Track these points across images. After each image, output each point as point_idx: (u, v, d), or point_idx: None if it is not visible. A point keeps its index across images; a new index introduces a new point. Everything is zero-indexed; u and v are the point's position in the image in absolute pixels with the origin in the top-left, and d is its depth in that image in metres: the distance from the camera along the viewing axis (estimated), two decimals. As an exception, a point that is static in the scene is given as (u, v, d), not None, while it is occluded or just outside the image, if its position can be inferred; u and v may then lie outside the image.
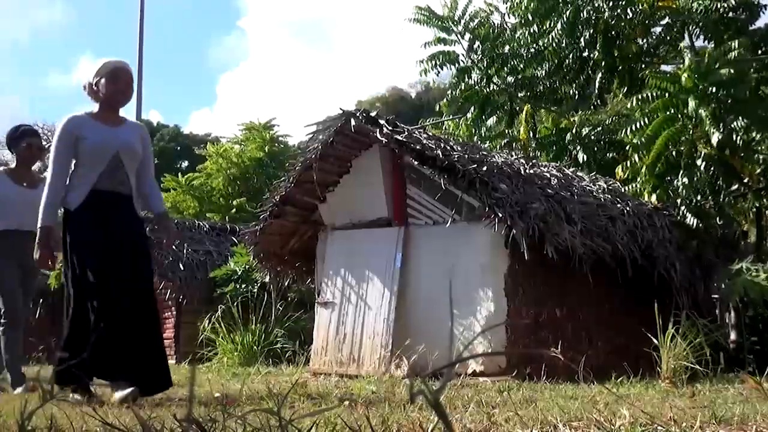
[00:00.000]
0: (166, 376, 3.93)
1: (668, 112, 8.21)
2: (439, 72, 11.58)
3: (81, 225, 3.92)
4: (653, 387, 4.59)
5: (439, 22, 11.40)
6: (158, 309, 4.12)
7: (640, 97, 8.67)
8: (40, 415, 1.81)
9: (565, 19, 10.53)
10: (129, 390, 3.63)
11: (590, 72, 11.09)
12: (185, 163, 34.19)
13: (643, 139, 8.19)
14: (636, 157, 8.53)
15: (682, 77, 8.10)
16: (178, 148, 40.16)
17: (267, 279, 8.76)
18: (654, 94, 8.45)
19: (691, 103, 7.98)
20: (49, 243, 3.95)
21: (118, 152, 4.03)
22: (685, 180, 8.01)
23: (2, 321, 5.24)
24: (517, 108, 11.55)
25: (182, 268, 11.85)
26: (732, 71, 7.92)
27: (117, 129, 4.13)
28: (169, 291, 11.64)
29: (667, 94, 8.30)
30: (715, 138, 7.74)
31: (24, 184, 5.38)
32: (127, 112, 5.18)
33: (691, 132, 8.16)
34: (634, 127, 8.47)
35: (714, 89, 8.02)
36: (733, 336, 9.05)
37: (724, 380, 5.30)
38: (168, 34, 66.10)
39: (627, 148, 8.63)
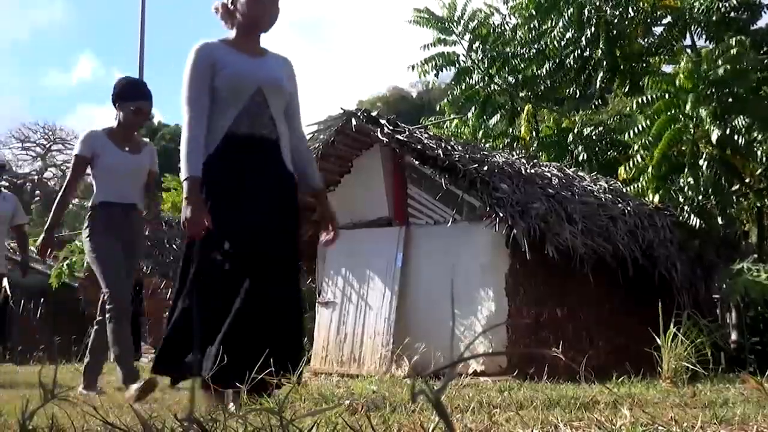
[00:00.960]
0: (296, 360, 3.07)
1: (669, 113, 8.21)
2: (438, 73, 11.56)
3: (214, 178, 3.06)
4: (654, 387, 4.58)
5: (439, 24, 11.36)
6: (300, 286, 3.30)
7: (641, 100, 8.67)
8: (41, 415, 1.81)
9: (566, 17, 10.54)
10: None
11: (591, 71, 11.10)
12: (186, 163, 34.10)
13: (651, 139, 8.18)
14: (639, 157, 8.54)
15: (678, 78, 8.09)
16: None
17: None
18: (655, 95, 8.45)
19: (690, 103, 7.98)
20: (202, 199, 3.03)
21: (260, 88, 3.17)
22: (690, 180, 8.01)
23: (108, 307, 4.46)
24: (519, 108, 11.55)
25: (183, 268, 11.88)
26: (729, 68, 7.91)
27: (259, 60, 3.25)
28: (170, 290, 11.66)
29: (667, 95, 8.31)
30: (714, 135, 7.74)
31: (126, 149, 4.64)
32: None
33: (692, 132, 8.16)
34: (636, 129, 8.47)
35: (713, 89, 8.01)
36: (734, 336, 9.05)
37: (725, 380, 5.30)
38: (168, 34, 66.14)
39: (635, 147, 8.61)
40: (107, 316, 4.43)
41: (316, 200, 3.47)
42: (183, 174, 3.03)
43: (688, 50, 10.09)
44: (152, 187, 4.90)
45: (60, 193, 4.70)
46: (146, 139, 4.99)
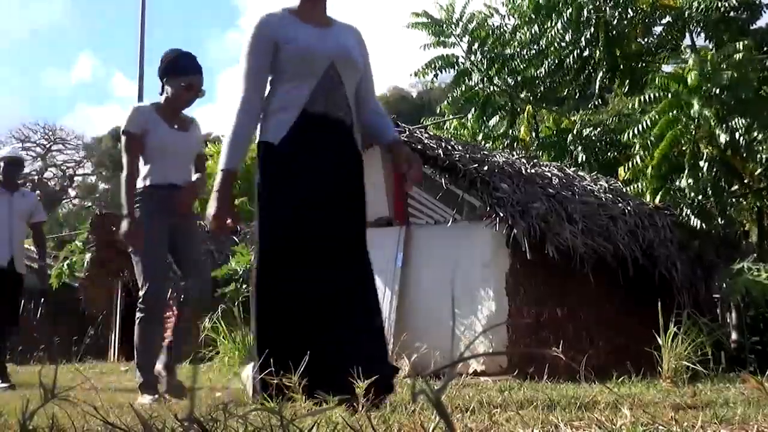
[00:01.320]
0: (387, 372, 2.81)
1: (673, 113, 8.20)
2: (438, 75, 11.55)
3: (286, 165, 2.87)
4: (654, 387, 4.58)
5: (437, 27, 11.31)
6: (374, 281, 3.03)
7: (643, 98, 8.67)
8: (41, 415, 1.81)
9: (565, 18, 10.54)
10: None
11: (591, 71, 11.10)
12: (186, 163, 34.09)
13: (652, 139, 8.18)
14: (638, 158, 8.53)
15: (688, 78, 8.08)
16: (179, 147, 39.95)
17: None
18: (657, 95, 8.44)
19: (696, 105, 7.98)
20: (231, 196, 2.85)
21: (333, 62, 2.90)
22: (690, 181, 8.01)
23: (140, 305, 4.06)
24: (518, 109, 11.55)
25: (183, 268, 11.89)
26: (735, 73, 7.92)
27: (326, 30, 2.98)
28: (170, 290, 11.66)
29: (669, 95, 8.30)
30: (722, 138, 7.75)
31: (175, 126, 4.26)
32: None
33: (693, 133, 8.16)
34: (637, 129, 8.47)
35: (717, 90, 8.01)
36: (734, 336, 9.05)
37: (725, 380, 5.29)
38: (168, 33, 66.20)
39: (636, 148, 8.60)
40: (137, 314, 4.07)
41: (394, 150, 3.27)
42: (220, 164, 2.84)
43: (688, 50, 10.08)
44: (202, 171, 4.51)
45: (125, 180, 4.15)
46: (192, 116, 4.51)
